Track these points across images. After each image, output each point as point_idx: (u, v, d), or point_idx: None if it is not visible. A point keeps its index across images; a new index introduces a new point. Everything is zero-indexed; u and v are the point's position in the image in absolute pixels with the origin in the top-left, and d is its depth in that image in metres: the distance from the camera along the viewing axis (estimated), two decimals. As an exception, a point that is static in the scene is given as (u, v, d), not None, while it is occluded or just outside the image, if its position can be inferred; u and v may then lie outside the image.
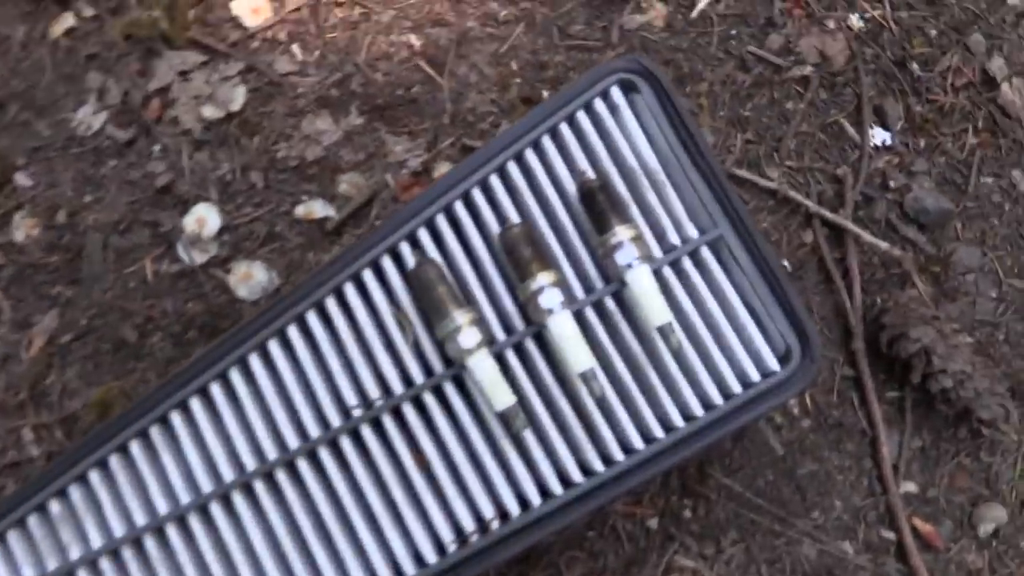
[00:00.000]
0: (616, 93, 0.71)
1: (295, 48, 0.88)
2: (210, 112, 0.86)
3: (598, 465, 0.65)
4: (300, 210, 0.84)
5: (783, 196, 0.84)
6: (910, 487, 0.80)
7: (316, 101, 0.87)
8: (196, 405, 0.67)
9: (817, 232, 0.83)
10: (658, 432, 0.66)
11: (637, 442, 0.66)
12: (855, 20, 0.89)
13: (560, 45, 0.88)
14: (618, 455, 0.66)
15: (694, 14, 0.89)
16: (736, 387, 0.67)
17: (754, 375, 0.67)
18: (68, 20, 0.89)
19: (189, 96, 0.86)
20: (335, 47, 0.88)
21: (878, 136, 0.86)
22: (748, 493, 0.77)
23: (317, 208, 0.84)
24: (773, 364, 0.68)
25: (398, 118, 0.86)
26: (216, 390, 0.67)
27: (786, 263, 0.83)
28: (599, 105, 0.71)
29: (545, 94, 0.86)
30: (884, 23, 0.90)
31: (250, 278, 0.82)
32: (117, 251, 0.84)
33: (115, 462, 0.67)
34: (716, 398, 0.67)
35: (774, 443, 0.78)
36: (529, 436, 0.65)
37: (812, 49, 0.88)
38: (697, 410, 0.67)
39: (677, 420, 0.66)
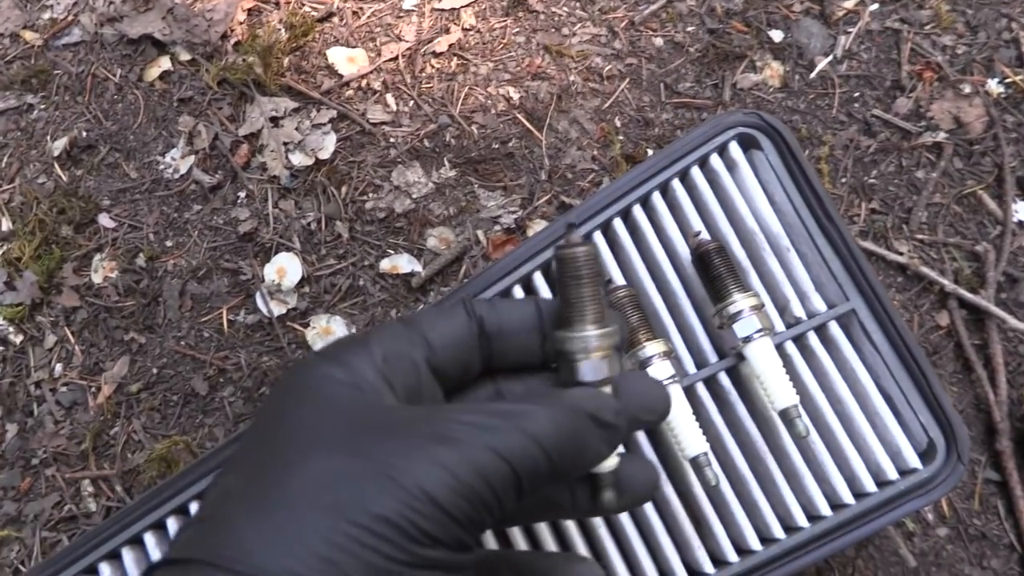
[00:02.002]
0: (735, 148, 0.65)
1: (389, 97, 0.85)
2: (299, 159, 0.83)
3: (708, 567, 0.57)
4: (385, 264, 0.79)
5: (914, 272, 0.75)
6: (1066, 616, 0.69)
7: (408, 152, 0.83)
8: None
9: (954, 314, 0.74)
10: (778, 532, 0.58)
11: (753, 542, 0.57)
12: (994, 85, 0.81)
13: (667, 103, 0.83)
14: (731, 556, 0.57)
15: (813, 75, 0.83)
16: (870, 485, 0.58)
17: (891, 473, 0.58)
18: (164, 64, 0.88)
19: (278, 142, 0.83)
20: (430, 98, 0.85)
21: (1022, 211, 0.78)
22: (873, 609, 0.67)
23: (403, 263, 0.79)
24: (914, 461, 0.59)
25: (492, 172, 0.81)
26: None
27: (917, 346, 0.74)
28: (715, 161, 0.65)
29: (650, 152, 0.81)
30: (1028, 89, 0.82)
31: (329, 333, 0.77)
32: (194, 298, 0.80)
33: (173, 525, 0.61)
34: (846, 496, 0.58)
35: (905, 552, 0.68)
36: (631, 529, 0.58)
37: (945, 114, 0.80)
38: (824, 509, 0.58)
39: (801, 520, 0.58)
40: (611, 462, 0.41)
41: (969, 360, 0.73)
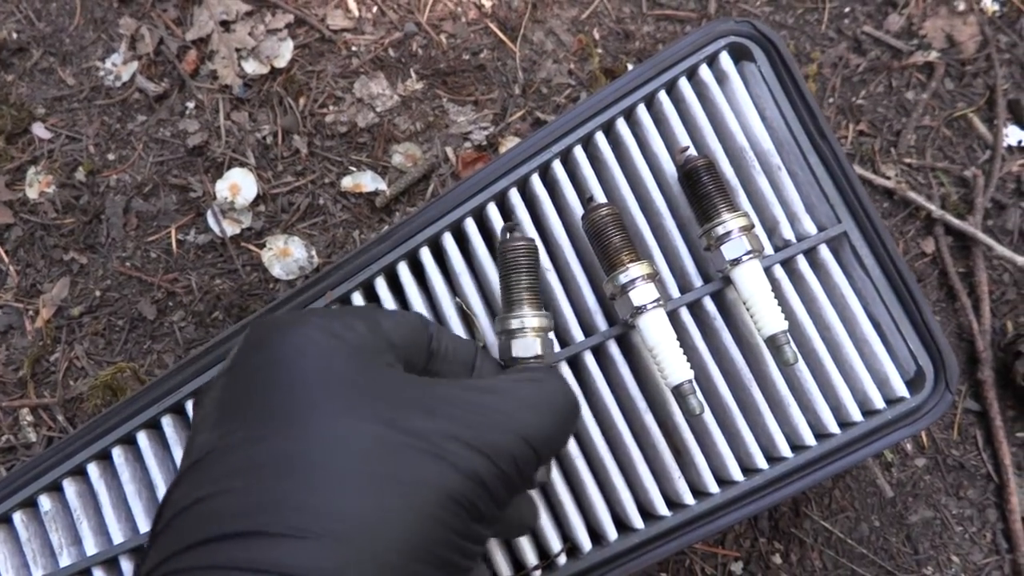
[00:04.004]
0: (725, 59, 0.61)
1: (351, 2, 0.79)
2: (252, 67, 0.77)
3: (688, 498, 0.55)
4: (347, 182, 0.74)
5: (901, 197, 0.72)
6: (1035, 544, 0.68)
7: (371, 62, 0.77)
8: (216, 395, 0.57)
9: (940, 241, 0.72)
10: (761, 462, 0.55)
11: (735, 473, 0.55)
12: (989, 2, 0.78)
13: (648, 14, 0.78)
14: (712, 487, 0.55)
15: (803, -13, 0.79)
16: (856, 414, 0.56)
17: (878, 401, 0.56)
18: (103, -42, 0.81)
19: (230, 48, 0.77)
20: (395, 3, 0.78)
21: (1013, 135, 0.75)
22: (850, 540, 0.66)
23: (366, 181, 0.74)
24: (901, 389, 0.57)
25: (463, 85, 0.76)
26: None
27: (901, 274, 0.72)
28: (704, 72, 0.60)
29: (630, 67, 0.76)
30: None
31: (287, 255, 0.72)
32: (140, 216, 0.75)
33: (119, 455, 0.57)
34: (831, 426, 0.56)
35: (882, 483, 0.67)
36: (608, 461, 0.55)
37: (939, 33, 0.77)
38: (808, 439, 0.56)
39: (784, 450, 0.56)
40: None
41: (953, 288, 0.71)
